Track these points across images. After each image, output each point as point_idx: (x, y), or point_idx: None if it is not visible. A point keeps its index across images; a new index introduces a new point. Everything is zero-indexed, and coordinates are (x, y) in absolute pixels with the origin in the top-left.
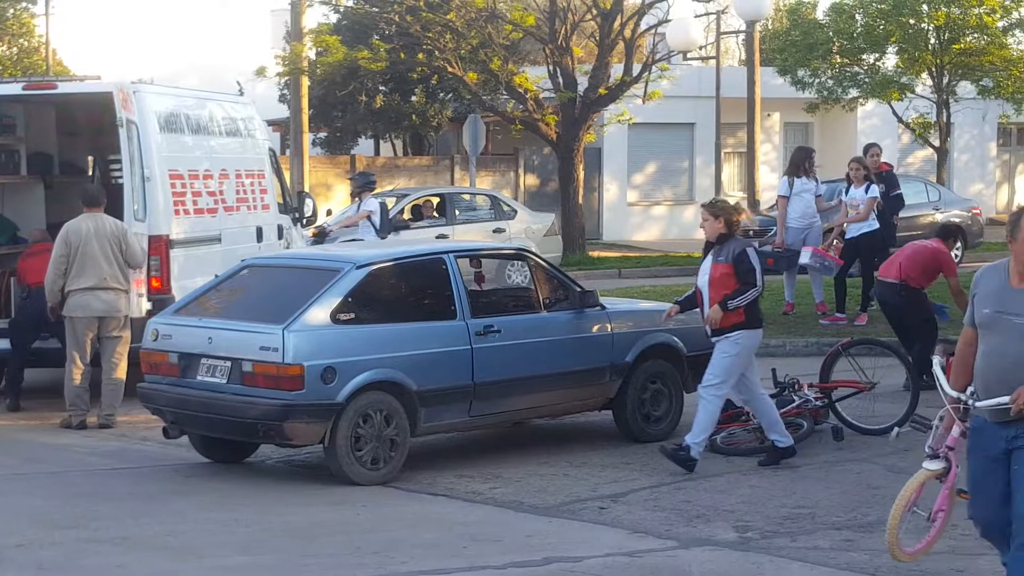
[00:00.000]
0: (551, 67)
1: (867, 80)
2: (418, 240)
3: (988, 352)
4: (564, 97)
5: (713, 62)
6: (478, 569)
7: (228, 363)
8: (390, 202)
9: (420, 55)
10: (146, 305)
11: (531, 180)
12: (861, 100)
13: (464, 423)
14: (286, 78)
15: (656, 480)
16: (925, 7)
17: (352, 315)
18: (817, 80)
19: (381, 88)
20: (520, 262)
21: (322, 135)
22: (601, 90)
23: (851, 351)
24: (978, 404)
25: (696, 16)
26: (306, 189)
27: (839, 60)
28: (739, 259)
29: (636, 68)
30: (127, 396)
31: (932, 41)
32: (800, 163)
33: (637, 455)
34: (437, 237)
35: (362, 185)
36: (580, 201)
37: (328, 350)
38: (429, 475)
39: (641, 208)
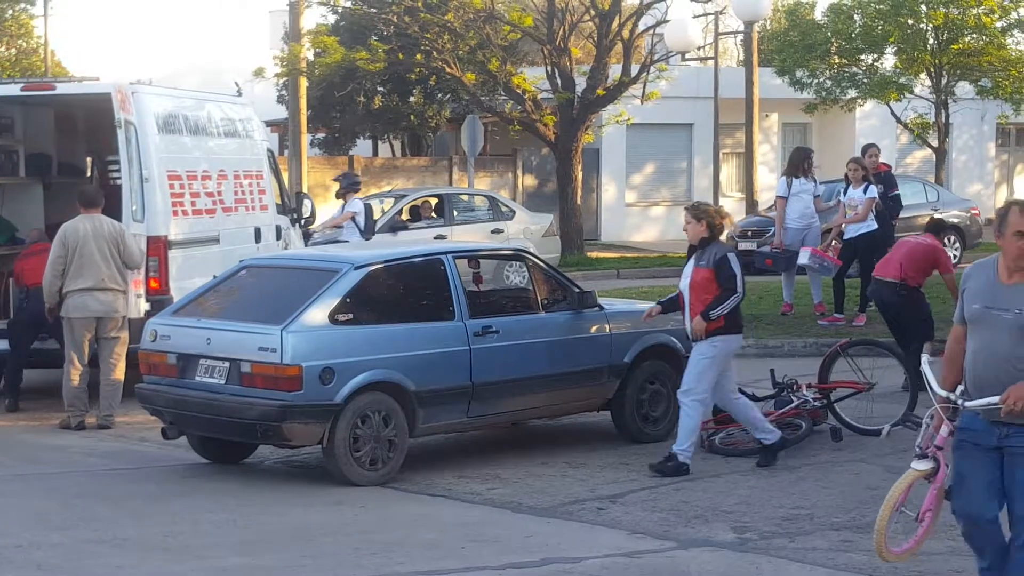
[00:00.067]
0: (549, 68)
1: (865, 80)
2: (416, 241)
3: (978, 349)
4: (562, 98)
5: (711, 62)
6: (476, 570)
7: (226, 364)
8: (388, 203)
9: (418, 56)
10: (144, 306)
11: (529, 181)
12: (859, 100)
13: (462, 424)
14: (284, 79)
15: (655, 481)
16: (923, 7)
17: (350, 316)
18: (815, 80)
19: (379, 89)
20: (518, 263)
21: (320, 136)
22: (599, 91)
23: (850, 352)
24: (968, 404)
25: (694, 16)
26: (304, 190)
27: (837, 60)
28: (720, 264)
29: (634, 69)
30: (126, 397)
31: (931, 41)
32: (799, 164)
33: (635, 456)
34: (435, 238)
35: (347, 186)
36: (578, 202)
37: (326, 351)
38: (427, 476)
39: (639, 209)
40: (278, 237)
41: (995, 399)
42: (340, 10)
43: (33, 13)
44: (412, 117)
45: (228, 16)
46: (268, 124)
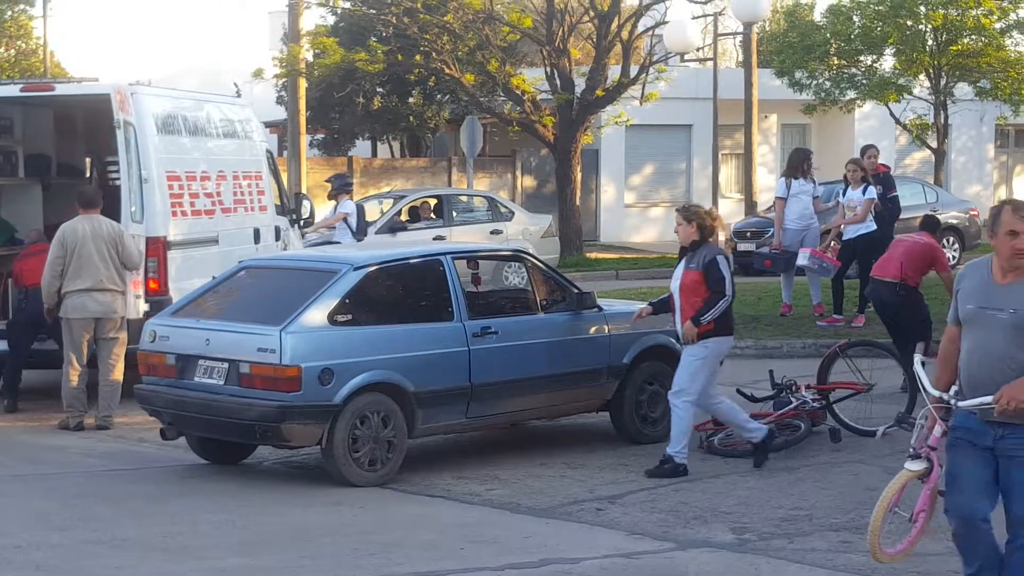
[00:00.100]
0: (548, 69)
1: (864, 82)
2: (415, 241)
3: (972, 349)
4: (561, 99)
5: (710, 64)
6: (475, 570)
7: (226, 364)
8: (387, 204)
9: (417, 57)
10: (144, 307)
11: (528, 182)
12: (858, 102)
13: (461, 424)
14: (283, 80)
15: (653, 482)
16: (923, 8)
17: (349, 316)
18: (814, 82)
19: (378, 90)
20: (517, 263)
21: (319, 137)
22: (598, 92)
23: (849, 352)
24: (961, 404)
25: (693, 18)
26: (303, 191)
27: (836, 62)
28: (709, 267)
29: (633, 70)
30: (125, 397)
31: (929, 43)
32: (798, 165)
33: (634, 457)
34: (434, 238)
35: (339, 187)
36: (577, 202)
37: (325, 351)
38: (426, 476)
39: (638, 210)
40: (277, 238)
41: (988, 399)
42: (339, 11)
43: (32, 14)
44: (411, 118)
45: (227, 17)
46: (267, 125)
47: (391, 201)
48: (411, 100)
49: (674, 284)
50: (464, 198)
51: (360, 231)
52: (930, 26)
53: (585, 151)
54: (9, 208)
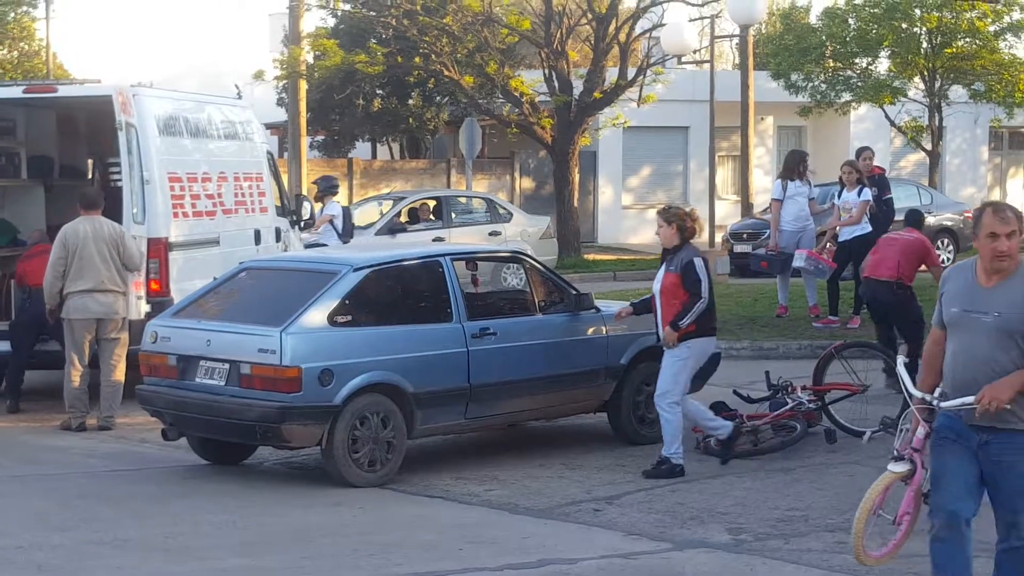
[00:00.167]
0: (547, 71)
1: (860, 84)
2: (415, 243)
3: (956, 351)
4: (559, 101)
5: (707, 66)
6: (474, 571)
7: (226, 365)
8: (387, 205)
9: (417, 59)
10: (145, 307)
11: (527, 183)
12: (854, 104)
13: (460, 425)
14: (284, 82)
15: (650, 482)
16: (917, 11)
17: (349, 317)
18: (810, 84)
19: (378, 92)
20: (516, 265)
21: (320, 138)
22: (596, 94)
23: (844, 354)
24: (943, 405)
25: (690, 20)
26: (304, 192)
27: (832, 64)
28: (686, 269)
29: (631, 72)
30: (126, 398)
31: (924, 45)
32: (794, 167)
33: (632, 457)
34: (433, 240)
35: (325, 189)
36: (575, 204)
37: (325, 352)
38: (425, 477)
39: (636, 211)
40: (278, 239)
41: (970, 399)
42: (339, 13)
43: (35, 16)
44: (411, 120)
45: (228, 19)
46: (268, 127)
47: (391, 202)
48: (411, 102)
49: (656, 286)
50: (463, 200)
51: (346, 233)
52: (925, 29)
53: (583, 153)
54: (12, 209)
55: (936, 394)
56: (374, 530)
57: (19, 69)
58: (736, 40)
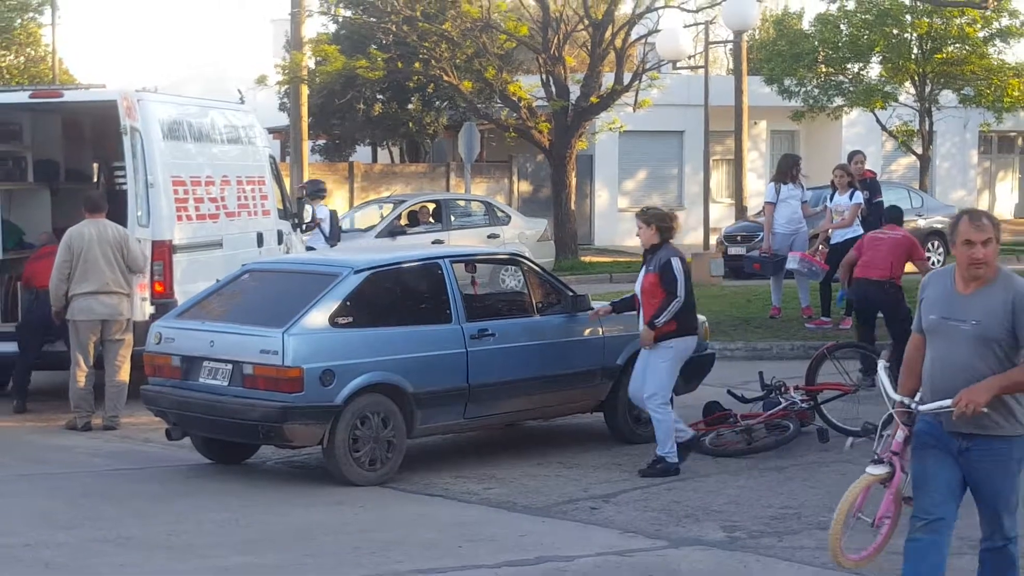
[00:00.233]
0: (544, 76)
1: (851, 89)
2: (414, 245)
3: (935, 358)
4: (557, 105)
5: (702, 71)
6: (473, 568)
7: (229, 366)
8: (387, 208)
9: (417, 64)
10: (149, 309)
11: (524, 186)
12: (846, 108)
13: (459, 425)
14: (286, 87)
15: (646, 481)
16: (908, 17)
17: (350, 319)
18: (803, 89)
19: (379, 96)
20: (514, 267)
21: (321, 142)
22: (593, 99)
23: (836, 354)
24: (922, 408)
25: (685, 26)
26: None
27: (824, 69)
28: (664, 269)
29: (627, 77)
30: (131, 398)
31: (915, 51)
32: (787, 170)
33: (628, 456)
34: (433, 242)
35: (312, 193)
36: (572, 207)
37: (326, 353)
38: (425, 476)
39: (632, 214)
40: (280, 241)
41: (947, 402)
42: (340, 19)
43: (41, 22)
44: (410, 124)
45: (231, 25)
46: (270, 131)
47: (391, 205)
48: (410, 106)
49: (637, 286)
50: (462, 203)
51: (333, 236)
52: (915, 35)
53: (580, 157)
54: (18, 212)
55: (917, 399)
56: (375, 528)
57: (25, 74)
58: (730, 46)
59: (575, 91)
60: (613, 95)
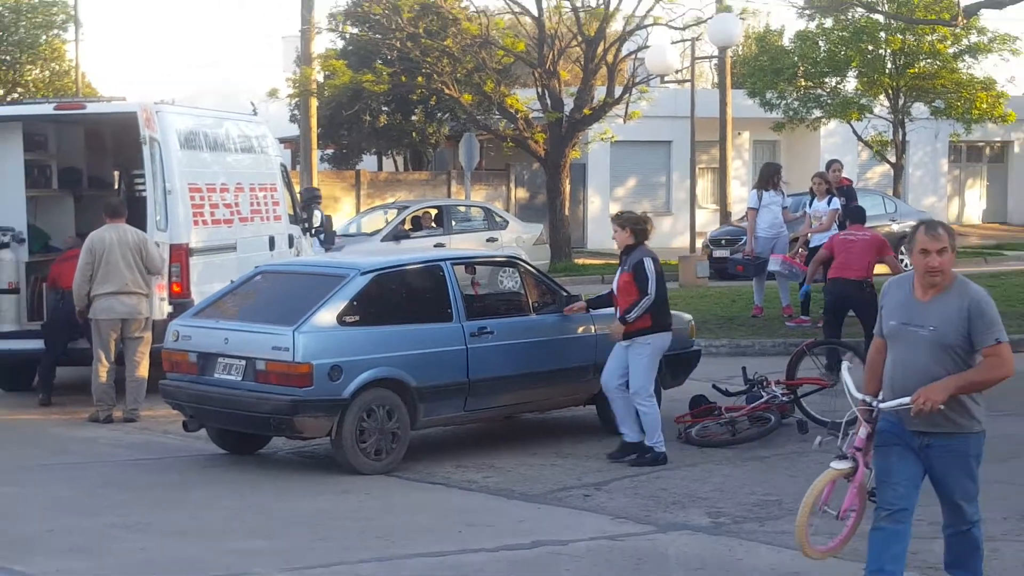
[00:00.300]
0: (540, 89)
1: (829, 101)
2: (417, 248)
3: (896, 361)
4: (552, 117)
5: (688, 85)
6: (473, 552)
7: (243, 362)
8: (392, 214)
9: (420, 78)
10: (168, 308)
11: (521, 193)
12: (824, 120)
13: (460, 417)
14: (296, 99)
15: (635, 470)
16: (883, 35)
17: (357, 317)
18: (783, 101)
19: (384, 108)
20: (511, 269)
21: (329, 152)
22: (586, 110)
23: (815, 351)
24: (882, 405)
25: (672, 43)
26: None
27: (803, 83)
28: (636, 268)
29: (618, 90)
30: (150, 392)
31: (889, 66)
32: (768, 178)
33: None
34: (435, 246)
35: (308, 200)
36: (566, 212)
37: (335, 350)
38: (428, 465)
39: None
40: (290, 245)
41: (907, 399)
42: (348, 36)
43: (65, 38)
44: (414, 134)
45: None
46: (281, 141)
47: (395, 211)
48: (414, 118)
49: (614, 285)
50: (462, 208)
51: (328, 240)
52: (889, 51)
53: (573, 165)
54: (44, 218)
55: (879, 398)
56: (380, 514)
57: (50, 88)
58: (715, 61)
59: (569, 103)
60: (605, 107)
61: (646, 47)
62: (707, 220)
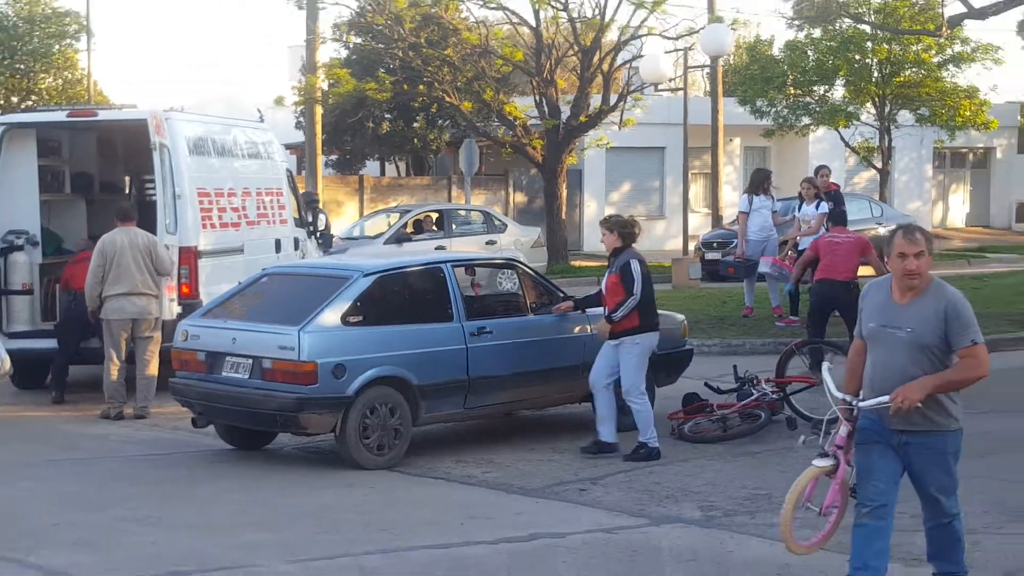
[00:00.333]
0: (537, 97)
1: (818, 109)
2: (419, 251)
3: (875, 362)
4: (549, 124)
5: (681, 93)
6: (473, 544)
7: (250, 360)
8: (394, 217)
9: (421, 86)
10: (177, 309)
11: (520, 198)
12: (812, 127)
13: (460, 414)
14: (301, 107)
15: (630, 465)
16: (869, 44)
17: (360, 318)
18: (773, 109)
19: (386, 115)
20: (510, 271)
21: (333, 157)
22: (582, 118)
23: (803, 350)
24: (861, 404)
25: (666, 52)
26: (320, 206)
27: (793, 91)
28: (623, 270)
29: (613, 98)
30: (159, 390)
31: (875, 75)
32: (759, 183)
33: None
34: (436, 248)
35: (305, 204)
36: (563, 216)
37: (339, 349)
38: (429, 460)
39: None
40: (296, 248)
41: (885, 398)
42: (351, 46)
43: (77, 48)
44: (415, 141)
45: (252, 51)
46: (287, 147)
47: (398, 215)
48: (415, 125)
49: (603, 285)
50: (462, 212)
51: (325, 244)
52: (876, 60)
53: (570, 171)
54: (57, 221)
55: (860, 397)
56: (383, 508)
57: (63, 96)
58: (707, 70)
59: (566, 111)
60: (600, 114)
61: (640, 56)
62: (699, 224)
